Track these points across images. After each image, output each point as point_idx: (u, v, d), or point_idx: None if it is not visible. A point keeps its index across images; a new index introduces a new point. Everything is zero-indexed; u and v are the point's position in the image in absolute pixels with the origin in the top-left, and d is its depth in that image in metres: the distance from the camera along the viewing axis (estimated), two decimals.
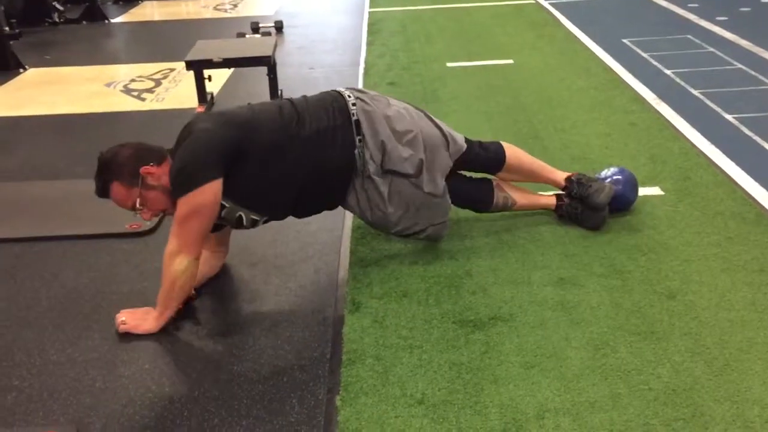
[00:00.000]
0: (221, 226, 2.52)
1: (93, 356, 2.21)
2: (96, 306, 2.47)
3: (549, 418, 1.87)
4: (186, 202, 2.22)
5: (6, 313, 2.45)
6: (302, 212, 2.58)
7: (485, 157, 2.74)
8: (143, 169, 2.26)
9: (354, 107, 2.49)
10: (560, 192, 2.87)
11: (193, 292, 2.43)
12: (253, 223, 2.45)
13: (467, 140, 2.71)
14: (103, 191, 2.30)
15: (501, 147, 2.78)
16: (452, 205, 2.69)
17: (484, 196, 2.78)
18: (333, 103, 2.50)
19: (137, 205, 2.29)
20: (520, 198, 2.83)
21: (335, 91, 2.58)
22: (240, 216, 2.39)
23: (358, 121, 2.47)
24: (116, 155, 2.28)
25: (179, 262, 2.25)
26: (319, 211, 2.62)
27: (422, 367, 2.08)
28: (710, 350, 2.10)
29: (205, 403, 1.99)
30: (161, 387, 2.07)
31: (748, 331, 2.17)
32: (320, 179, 2.45)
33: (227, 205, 2.34)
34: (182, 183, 2.22)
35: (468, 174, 2.80)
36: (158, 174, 2.28)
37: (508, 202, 2.79)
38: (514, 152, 2.80)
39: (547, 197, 2.89)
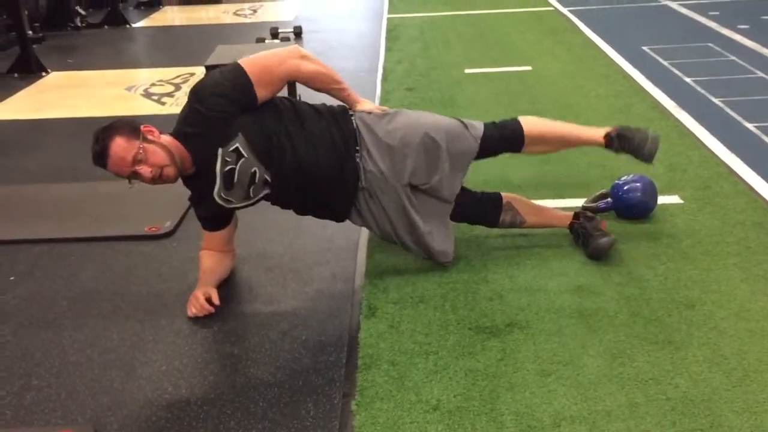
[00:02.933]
0: (226, 217, 2.54)
1: (111, 357, 2.23)
2: (115, 307, 2.49)
3: (565, 427, 1.86)
4: (251, 67, 2.33)
5: (26, 313, 2.48)
6: (306, 209, 2.58)
7: (502, 135, 2.62)
8: (143, 126, 2.32)
9: (353, 117, 2.51)
10: (578, 211, 2.76)
11: (212, 309, 2.43)
12: (263, 186, 2.41)
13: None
14: (102, 150, 2.24)
15: (517, 122, 2.64)
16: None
17: (489, 215, 2.71)
18: (333, 109, 2.53)
19: (137, 156, 2.24)
20: (531, 217, 2.73)
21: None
22: (254, 172, 2.37)
23: (357, 130, 2.48)
24: (114, 121, 2.34)
25: (302, 61, 2.42)
26: (324, 216, 2.61)
27: (438, 373, 2.08)
28: (729, 360, 2.08)
29: (222, 406, 2.00)
30: (178, 389, 2.08)
31: (767, 341, 2.15)
32: (313, 181, 2.42)
33: (246, 155, 2.34)
34: (234, 74, 2.32)
35: (477, 190, 2.74)
36: (158, 134, 2.32)
37: (516, 221, 2.72)
38: (533, 124, 2.66)
39: (562, 215, 2.78)
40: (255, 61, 2.37)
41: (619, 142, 2.65)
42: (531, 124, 2.66)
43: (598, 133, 2.72)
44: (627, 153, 2.67)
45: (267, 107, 2.39)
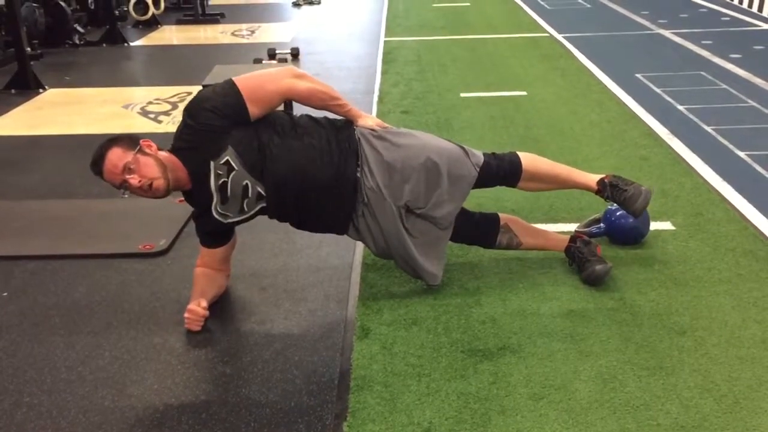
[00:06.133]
0: (225, 234, 2.55)
1: (102, 375, 2.22)
2: (107, 325, 2.49)
3: None
4: (244, 85, 2.36)
5: (18, 330, 2.47)
6: (304, 223, 2.58)
7: (500, 166, 2.63)
8: (143, 141, 2.37)
9: (355, 131, 2.53)
10: (575, 235, 2.78)
11: (206, 312, 2.45)
12: (257, 200, 2.42)
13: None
14: (99, 157, 2.32)
15: (516, 156, 2.67)
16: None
17: (486, 236, 2.74)
18: (335, 122, 2.55)
19: (129, 165, 2.28)
20: (527, 238, 2.76)
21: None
22: (246, 185, 2.38)
23: (360, 144, 2.48)
24: (120, 134, 2.41)
25: (297, 81, 2.45)
26: (322, 229, 2.61)
27: (430, 396, 2.08)
28: (720, 387, 2.09)
29: (213, 426, 2.00)
30: (169, 408, 2.07)
31: (758, 368, 2.16)
32: (310, 192, 2.43)
33: (236, 168, 2.36)
34: (225, 90, 2.37)
35: (475, 211, 2.76)
36: (155, 149, 2.37)
37: (513, 243, 2.74)
38: (531, 160, 2.69)
39: (558, 238, 2.80)
40: (248, 78, 2.41)
41: (611, 190, 2.68)
42: (529, 159, 2.69)
43: (592, 178, 2.74)
44: (617, 203, 2.69)
45: (261, 121, 2.42)
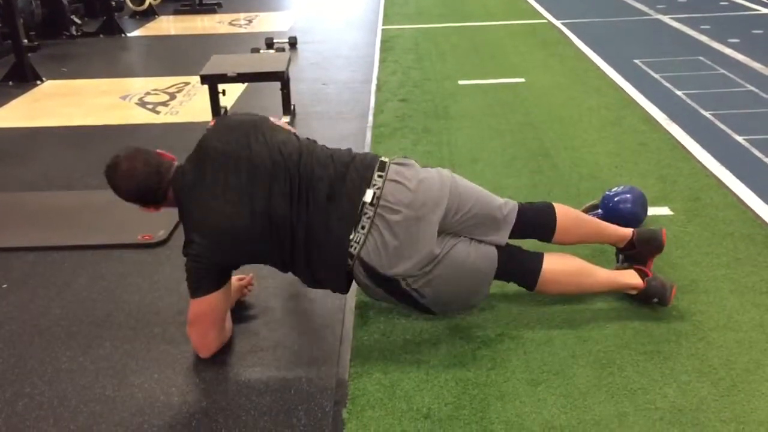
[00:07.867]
0: None
1: (104, 365, 2.23)
2: (108, 315, 2.50)
3: None
4: (193, 307, 2.21)
5: (19, 321, 2.48)
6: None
7: (531, 222, 2.38)
8: (141, 210, 2.31)
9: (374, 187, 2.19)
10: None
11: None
12: None
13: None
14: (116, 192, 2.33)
15: (551, 211, 2.43)
16: None
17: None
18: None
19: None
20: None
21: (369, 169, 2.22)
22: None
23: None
24: (118, 189, 2.30)
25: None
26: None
27: (429, 382, 2.09)
28: (717, 371, 2.10)
29: (213, 414, 2.01)
30: (170, 396, 2.09)
31: (755, 352, 2.17)
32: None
33: None
34: (189, 287, 2.20)
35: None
36: (155, 211, 2.32)
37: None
38: (566, 215, 2.46)
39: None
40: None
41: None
42: (564, 215, 2.45)
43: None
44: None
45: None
